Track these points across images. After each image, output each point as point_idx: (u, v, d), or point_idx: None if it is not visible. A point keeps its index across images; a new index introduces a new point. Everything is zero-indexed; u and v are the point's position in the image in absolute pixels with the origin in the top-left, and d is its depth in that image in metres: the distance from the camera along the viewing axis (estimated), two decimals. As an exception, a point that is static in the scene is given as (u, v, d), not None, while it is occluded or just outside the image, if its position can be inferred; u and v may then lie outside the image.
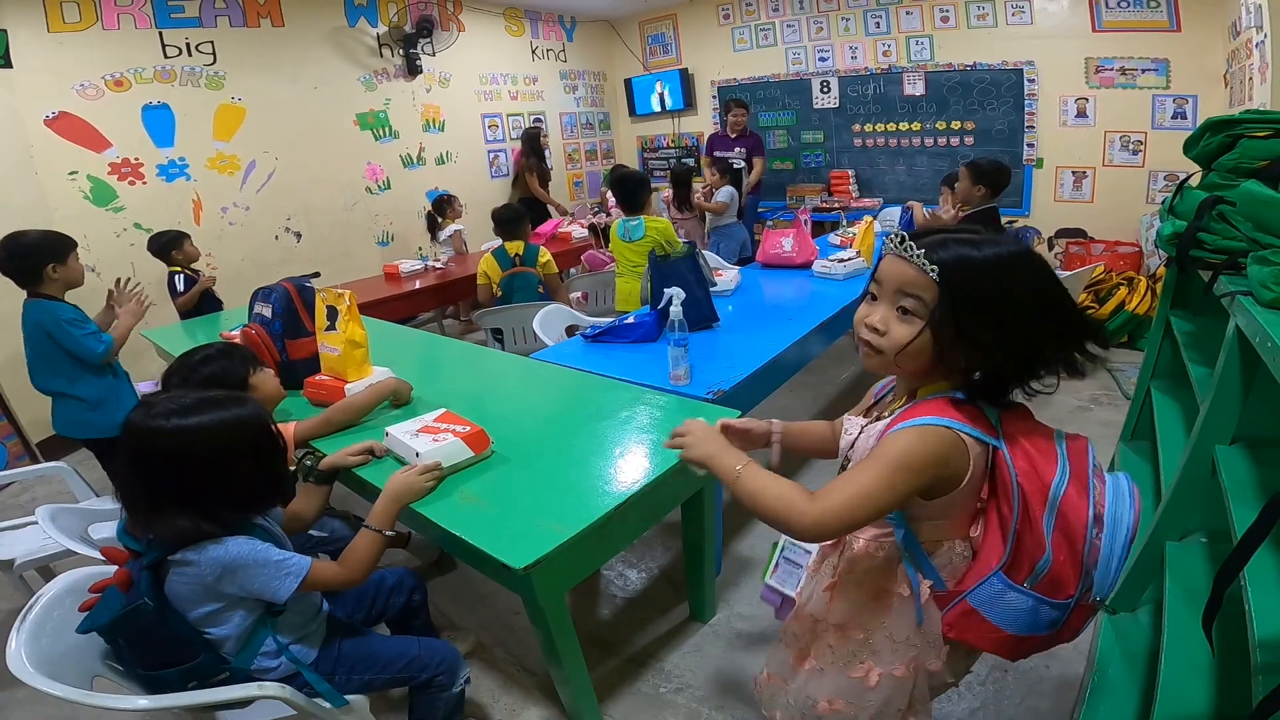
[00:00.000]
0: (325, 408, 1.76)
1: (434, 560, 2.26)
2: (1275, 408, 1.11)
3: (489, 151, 6.05)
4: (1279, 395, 0.81)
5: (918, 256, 0.80)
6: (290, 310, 2.06)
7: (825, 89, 5.88)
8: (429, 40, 5.17)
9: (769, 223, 3.51)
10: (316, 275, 2.41)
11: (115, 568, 1.16)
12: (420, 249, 5.43)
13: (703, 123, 6.78)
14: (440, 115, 5.57)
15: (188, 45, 4.09)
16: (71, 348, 2.21)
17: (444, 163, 5.65)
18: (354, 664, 1.32)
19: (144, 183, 3.97)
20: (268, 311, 2.07)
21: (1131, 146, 4.55)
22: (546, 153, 5.81)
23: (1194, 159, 1.63)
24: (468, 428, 1.49)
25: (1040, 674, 1.65)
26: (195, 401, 1.12)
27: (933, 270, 0.79)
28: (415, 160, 5.44)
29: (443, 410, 1.61)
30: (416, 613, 1.60)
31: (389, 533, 1.30)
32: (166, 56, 4.01)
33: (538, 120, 6.39)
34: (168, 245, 3.33)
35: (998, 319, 0.79)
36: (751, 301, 2.83)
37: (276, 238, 4.64)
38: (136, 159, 3.93)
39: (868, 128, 5.76)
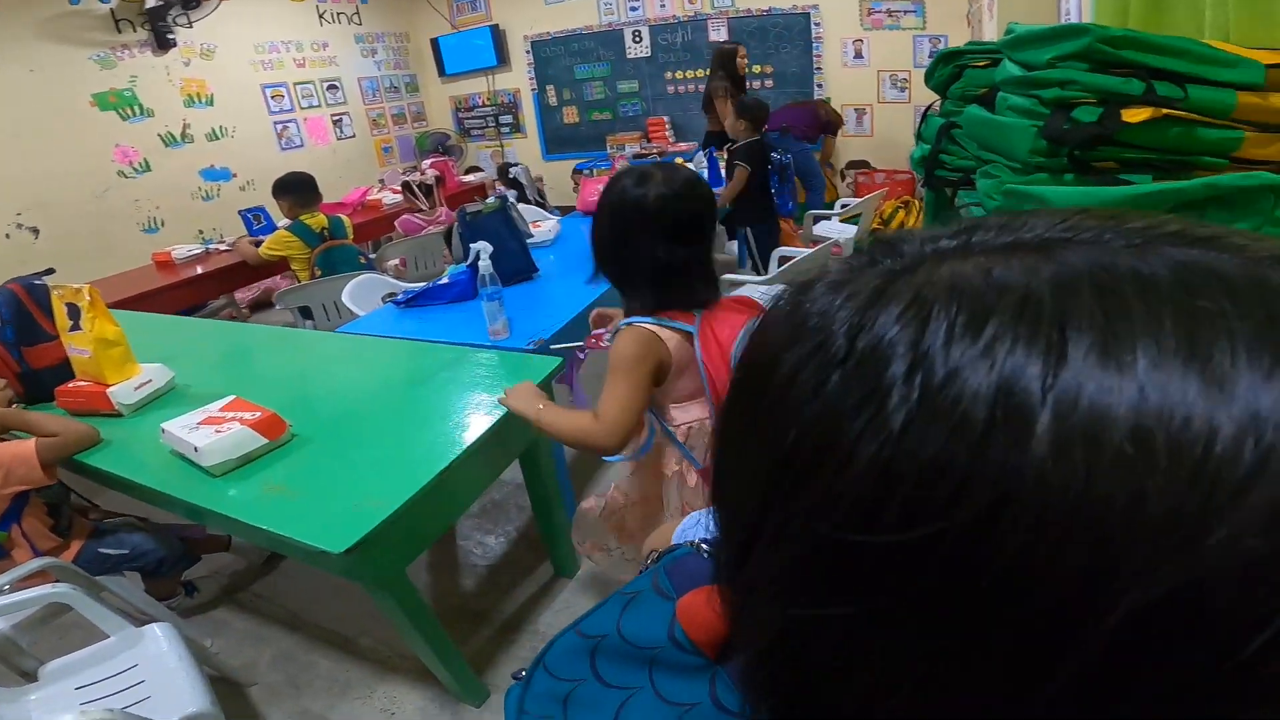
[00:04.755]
0: (89, 417, 1.57)
1: (264, 559, 2.08)
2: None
3: (275, 123, 5.49)
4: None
5: None
6: (22, 315, 1.77)
7: (637, 38, 5.89)
8: (181, 11, 4.55)
9: (586, 172, 3.50)
10: (50, 272, 2.04)
11: None
12: (201, 231, 4.79)
13: (518, 79, 6.53)
14: (207, 89, 4.97)
15: None
16: None
17: (218, 138, 5.06)
18: None
19: None
20: (-7, 320, 1.73)
21: (899, 84, 5.06)
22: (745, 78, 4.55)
23: (933, 89, 1.84)
24: (257, 413, 1.35)
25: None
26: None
27: None
28: (179, 138, 4.81)
29: (231, 398, 1.43)
30: None
31: None
32: None
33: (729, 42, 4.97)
34: None
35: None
36: (572, 250, 2.81)
37: (8, 236, 3.89)
38: None
39: (679, 75, 5.88)
